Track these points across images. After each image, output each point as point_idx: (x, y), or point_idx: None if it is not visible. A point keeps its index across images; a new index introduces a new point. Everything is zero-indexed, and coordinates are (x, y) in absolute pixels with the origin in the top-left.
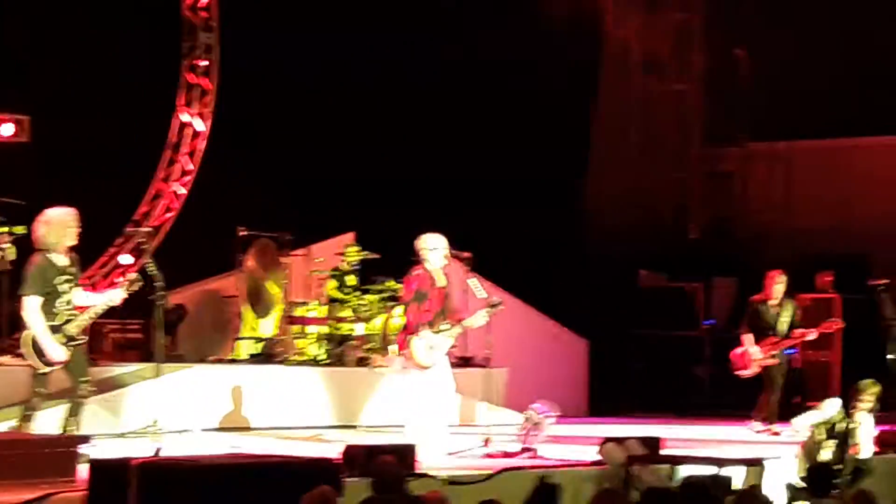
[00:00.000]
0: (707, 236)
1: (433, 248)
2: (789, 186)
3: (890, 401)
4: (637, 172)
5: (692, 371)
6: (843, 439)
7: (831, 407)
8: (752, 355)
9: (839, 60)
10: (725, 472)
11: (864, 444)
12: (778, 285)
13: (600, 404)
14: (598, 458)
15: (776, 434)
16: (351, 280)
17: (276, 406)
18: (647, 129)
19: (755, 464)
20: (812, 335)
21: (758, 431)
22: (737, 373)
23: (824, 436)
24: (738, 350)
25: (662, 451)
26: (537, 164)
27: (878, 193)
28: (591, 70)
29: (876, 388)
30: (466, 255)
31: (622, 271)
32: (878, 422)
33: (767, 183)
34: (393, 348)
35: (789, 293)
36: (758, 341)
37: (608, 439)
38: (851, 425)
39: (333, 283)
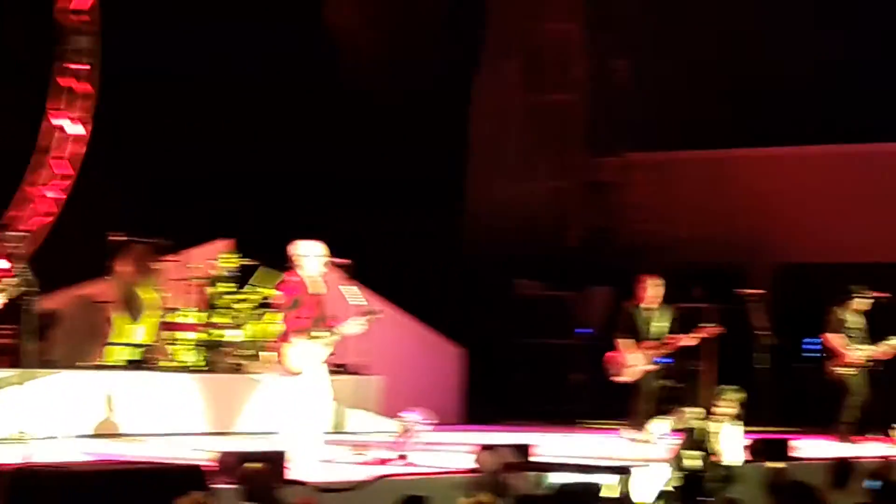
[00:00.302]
0: (585, 246)
1: (307, 254)
2: (668, 197)
3: (759, 410)
4: (517, 181)
5: (568, 379)
6: (706, 447)
7: (687, 415)
8: (629, 361)
9: (719, 72)
10: (595, 479)
11: (729, 450)
12: (652, 290)
13: (477, 412)
14: (473, 465)
15: (647, 442)
16: (226, 286)
17: (148, 412)
18: (528, 137)
19: (624, 471)
20: (692, 341)
21: (631, 439)
22: (613, 378)
23: (687, 444)
24: (615, 354)
25: (533, 459)
26: (417, 171)
27: (755, 205)
28: (467, 78)
29: (736, 395)
30: (345, 262)
31: (500, 280)
32: (752, 431)
33: (646, 193)
34: (267, 355)
35: (667, 301)
36: (635, 347)
37: (483, 447)
38: (711, 432)
39: (207, 290)
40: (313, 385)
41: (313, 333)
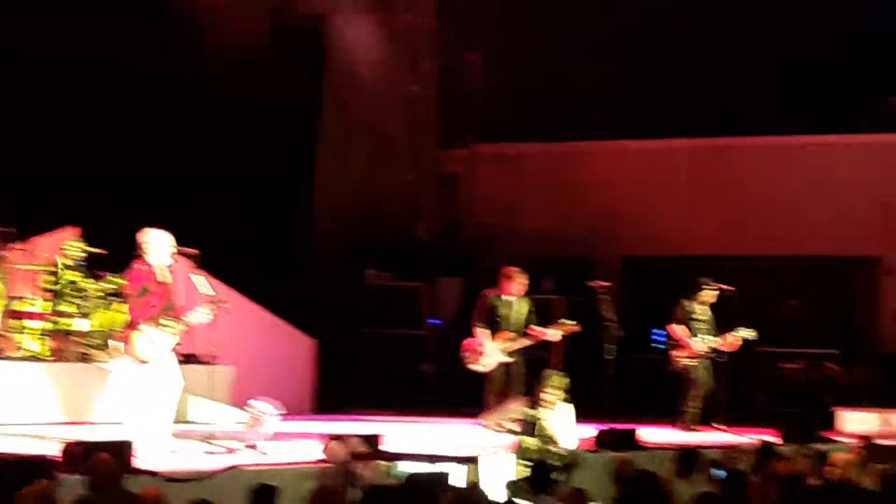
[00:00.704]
0: (434, 237)
1: (154, 242)
2: (515, 189)
3: (606, 400)
4: (368, 173)
5: (417, 369)
6: (542, 434)
7: (515, 404)
8: (486, 350)
9: (566, 66)
10: (443, 468)
11: (563, 435)
12: (519, 281)
13: (327, 402)
14: (322, 455)
15: (506, 431)
16: (73, 275)
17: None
18: (379, 130)
19: (471, 461)
20: (554, 338)
21: (486, 427)
22: (468, 366)
23: (525, 431)
24: (471, 342)
25: (383, 449)
26: (266, 162)
27: (600, 197)
28: (316, 72)
29: (561, 381)
30: (193, 251)
31: (350, 271)
32: (599, 421)
33: (494, 185)
34: (115, 344)
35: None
36: (493, 336)
37: (332, 437)
38: (541, 419)
39: (53, 278)
40: (161, 374)
41: (161, 322)
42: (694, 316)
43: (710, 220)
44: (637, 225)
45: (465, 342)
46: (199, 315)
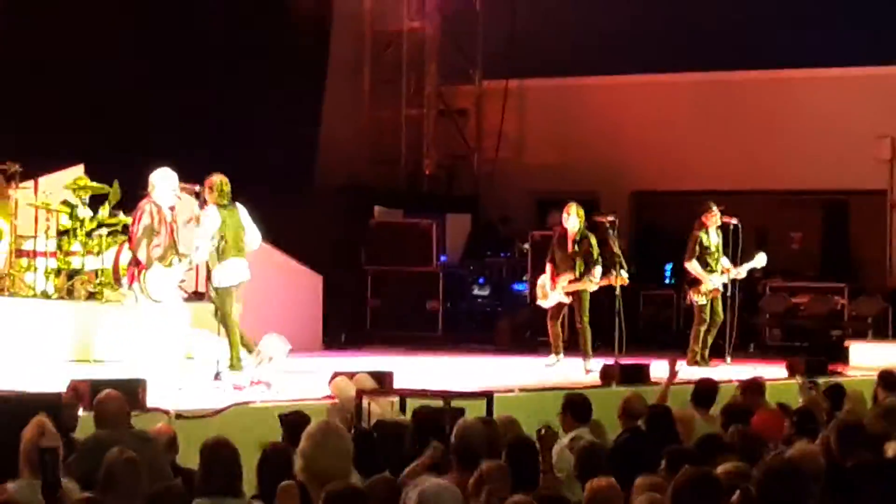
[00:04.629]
0: (441, 173)
1: (159, 183)
2: (521, 125)
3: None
4: (372, 110)
5: (426, 306)
6: None
7: None
8: (558, 287)
9: (573, 1)
10: (456, 405)
11: None
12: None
13: (336, 339)
14: (329, 392)
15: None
16: (79, 213)
17: (3, 340)
18: (382, 67)
19: (485, 396)
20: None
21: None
22: (538, 302)
23: None
24: (541, 278)
25: (393, 385)
26: (273, 101)
27: (607, 132)
28: (323, 13)
29: None
30: (198, 188)
31: (357, 208)
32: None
33: (500, 121)
34: (123, 282)
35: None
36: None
37: (338, 373)
38: None
39: (64, 216)
40: (171, 311)
41: (168, 260)
42: (708, 249)
43: (717, 154)
44: (645, 159)
45: (539, 278)
46: (205, 253)
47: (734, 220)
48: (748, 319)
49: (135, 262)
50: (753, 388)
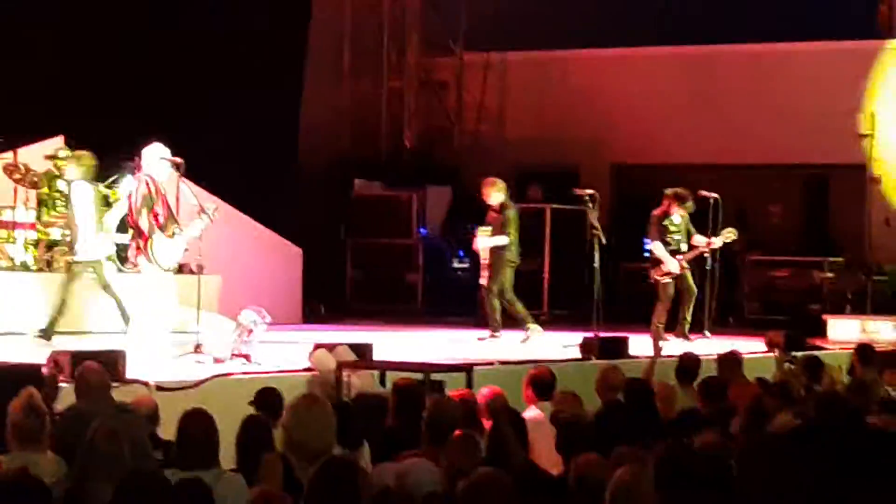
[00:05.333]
0: (422, 146)
1: (156, 157)
2: (502, 98)
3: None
4: (353, 82)
5: (405, 278)
6: None
7: None
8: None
9: None
10: (435, 377)
11: None
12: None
13: (316, 312)
14: (309, 364)
15: None
16: (60, 185)
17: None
18: (363, 39)
19: (465, 370)
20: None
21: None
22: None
23: None
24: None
25: (372, 358)
26: (253, 73)
27: (588, 105)
28: None
29: None
30: (178, 160)
31: (337, 180)
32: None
33: (481, 94)
34: (131, 254)
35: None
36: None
37: (318, 346)
38: None
39: (44, 188)
40: (170, 282)
41: (171, 231)
42: (669, 229)
43: (697, 128)
44: (625, 133)
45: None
46: (199, 223)
47: (714, 195)
48: (728, 293)
49: (138, 232)
50: (731, 361)
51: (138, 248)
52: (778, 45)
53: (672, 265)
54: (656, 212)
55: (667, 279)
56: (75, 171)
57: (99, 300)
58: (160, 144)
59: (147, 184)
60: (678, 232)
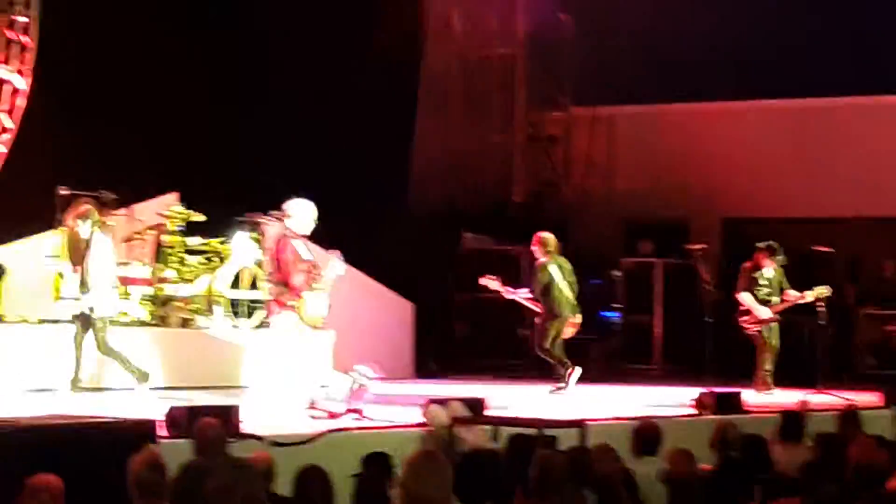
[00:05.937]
0: (530, 200)
1: (302, 212)
2: (611, 151)
3: (706, 364)
4: (462, 136)
5: (516, 333)
6: None
7: None
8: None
9: (658, 27)
10: (549, 433)
11: None
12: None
13: (428, 366)
14: (423, 419)
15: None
16: (174, 240)
17: (99, 366)
18: (472, 93)
19: (578, 426)
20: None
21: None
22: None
23: None
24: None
25: (486, 413)
26: (364, 128)
27: (698, 159)
28: (414, 40)
29: None
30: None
31: (447, 235)
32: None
33: (589, 148)
34: (273, 307)
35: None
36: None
37: (432, 401)
38: None
39: (155, 244)
40: (309, 341)
41: (315, 285)
42: (759, 282)
43: (809, 180)
44: (735, 186)
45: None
46: (335, 269)
47: (828, 249)
48: (842, 347)
49: (290, 288)
50: (849, 417)
51: (283, 304)
52: (891, 97)
53: (762, 312)
54: (747, 264)
55: (758, 327)
56: (89, 226)
57: (202, 354)
58: (307, 200)
59: (295, 240)
60: (768, 286)
